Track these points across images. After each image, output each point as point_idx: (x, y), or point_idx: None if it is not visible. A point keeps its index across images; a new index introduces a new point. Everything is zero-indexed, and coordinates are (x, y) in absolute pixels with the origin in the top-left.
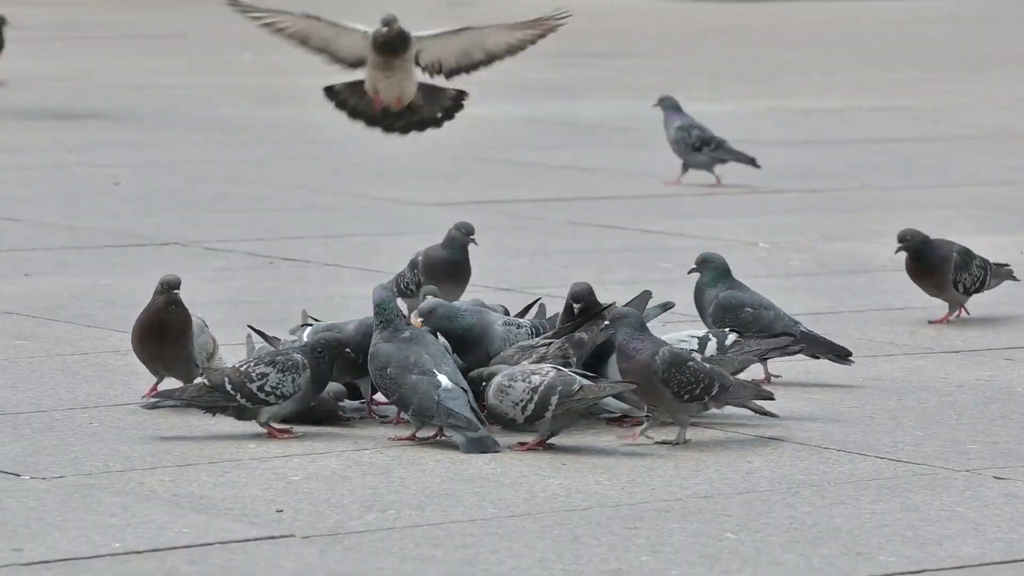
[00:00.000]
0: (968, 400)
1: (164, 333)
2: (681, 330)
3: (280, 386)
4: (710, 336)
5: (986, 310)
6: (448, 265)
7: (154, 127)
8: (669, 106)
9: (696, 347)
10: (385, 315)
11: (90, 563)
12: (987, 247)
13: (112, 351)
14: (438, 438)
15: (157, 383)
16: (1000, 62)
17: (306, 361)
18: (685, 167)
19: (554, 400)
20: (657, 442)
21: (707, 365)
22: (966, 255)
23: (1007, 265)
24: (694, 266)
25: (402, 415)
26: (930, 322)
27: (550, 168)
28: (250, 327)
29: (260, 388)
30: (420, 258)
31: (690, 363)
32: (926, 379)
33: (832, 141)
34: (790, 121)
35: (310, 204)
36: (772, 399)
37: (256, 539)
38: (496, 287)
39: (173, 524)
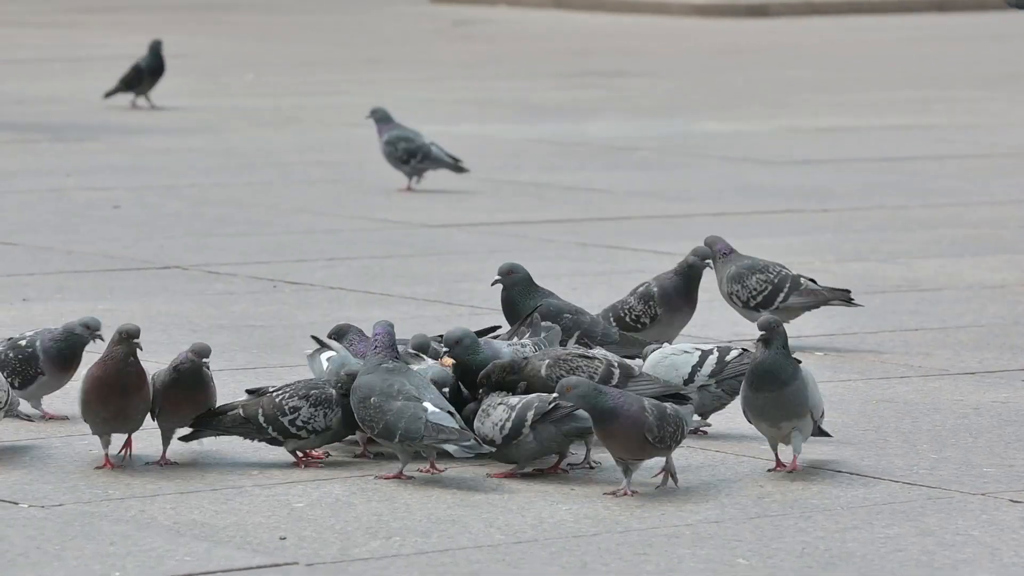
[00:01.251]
0: (984, 423)
1: (127, 387)
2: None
3: (312, 421)
4: (713, 350)
5: (1003, 331)
6: (686, 295)
7: (155, 150)
8: (380, 118)
9: (697, 361)
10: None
11: None
12: (1005, 266)
13: None
14: (427, 472)
15: (126, 440)
16: (1017, 80)
17: (338, 397)
18: (410, 176)
19: (530, 416)
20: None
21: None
22: (748, 269)
23: (847, 291)
24: (499, 277)
25: (377, 448)
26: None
27: (559, 189)
28: (314, 337)
29: (292, 422)
30: (655, 289)
31: (669, 412)
32: (941, 401)
33: (847, 160)
34: (804, 140)
35: (313, 227)
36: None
37: (259, 567)
38: (495, 309)
39: (174, 552)
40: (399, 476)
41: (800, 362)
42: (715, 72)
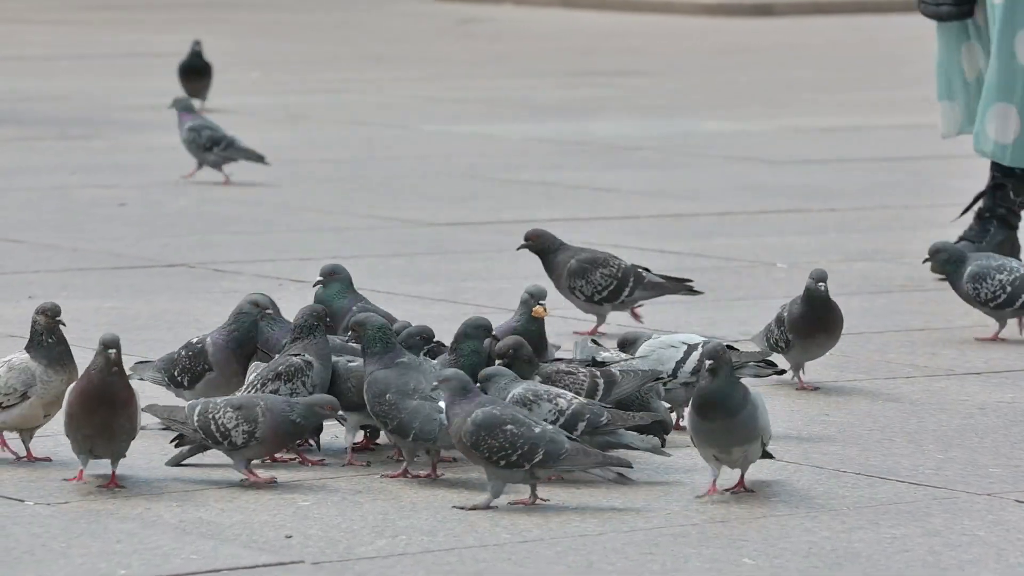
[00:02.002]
0: (990, 423)
1: (113, 401)
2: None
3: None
4: (699, 346)
5: (1009, 331)
6: (812, 320)
7: (160, 147)
8: (182, 107)
9: (681, 356)
10: (384, 340)
11: None
12: None
13: None
14: (432, 477)
15: (111, 476)
16: None
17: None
18: (200, 164)
19: (581, 426)
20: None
21: (536, 430)
22: (590, 262)
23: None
24: (320, 278)
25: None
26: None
27: (564, 188)
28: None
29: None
30: (785, 314)
31: (508, 427)
32: (947, 401)
33: (851, 160)
34: (808, 140)
35: (319, 225)
36: (630, 467)
37: (265, 565)
38: (508, 309)
39: (180, 550)
40: (404, 475)
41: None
42: (719, 71)
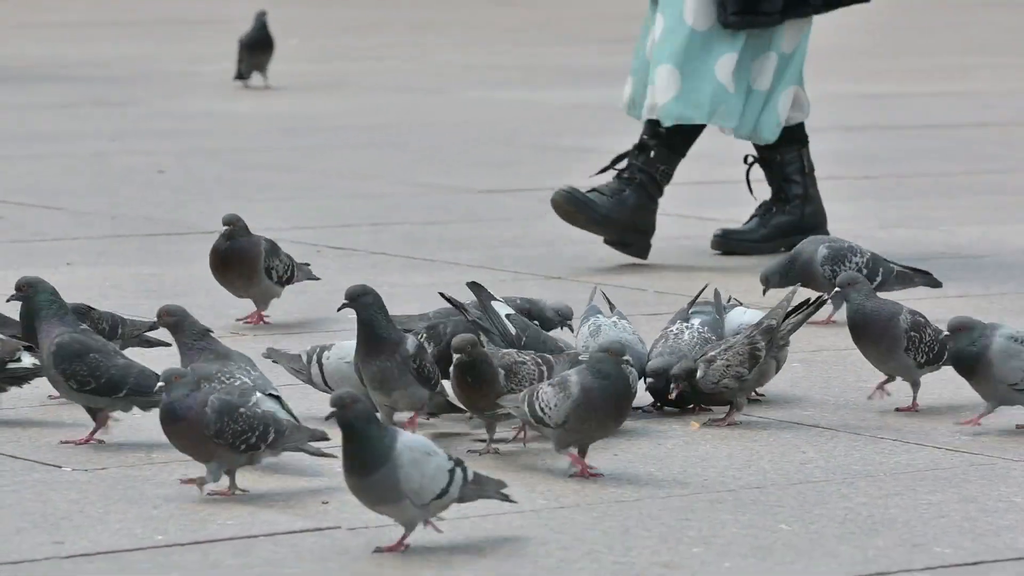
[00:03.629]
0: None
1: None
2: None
3: None
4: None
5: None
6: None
7: (198, 114)
8: None
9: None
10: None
11: (132, 556)
12: None
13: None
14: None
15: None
16: None
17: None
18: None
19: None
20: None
21: (259, 410)
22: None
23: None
24: (16, 292)
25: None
26: None
27: (601, 154)
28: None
29: None
30: None
31: (242, 410)
32: None
33: (890, 127)
34: (847, 106)
35: (357, 192)
36: (327, 439)
37: (302, 531)
38: (547, 275)
39: (217, 516)
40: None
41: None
42: None
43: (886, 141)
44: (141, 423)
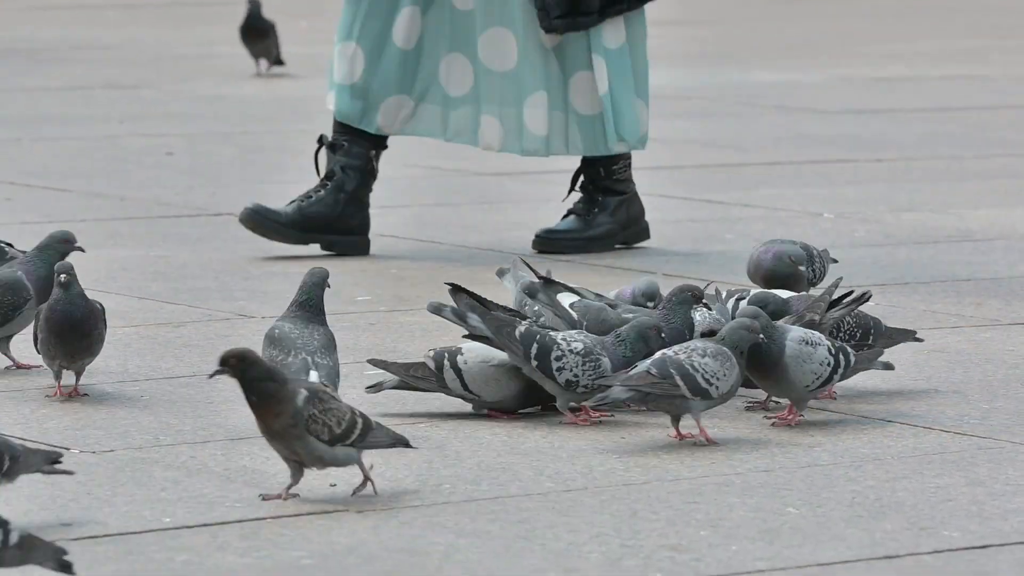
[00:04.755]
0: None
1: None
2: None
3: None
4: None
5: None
6: None
7: (207, 97)
8: None
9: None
10: None
11: (140, 538)
12: None
13: (164, 323)
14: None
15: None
16: None
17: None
18: None
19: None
20: None
21: None
22: None
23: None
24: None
25: None
26: None
27: None
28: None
29: None
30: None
31: None
32: (992, 351)
33: (901, 110)
34: (859, 90)
35: None
36: (60, 461)
37: (309, 514)
38: (555, 259)
39: (225, 499)
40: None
41: None
42: (770, 21)
43: (897, 125)
44: (150, 405)
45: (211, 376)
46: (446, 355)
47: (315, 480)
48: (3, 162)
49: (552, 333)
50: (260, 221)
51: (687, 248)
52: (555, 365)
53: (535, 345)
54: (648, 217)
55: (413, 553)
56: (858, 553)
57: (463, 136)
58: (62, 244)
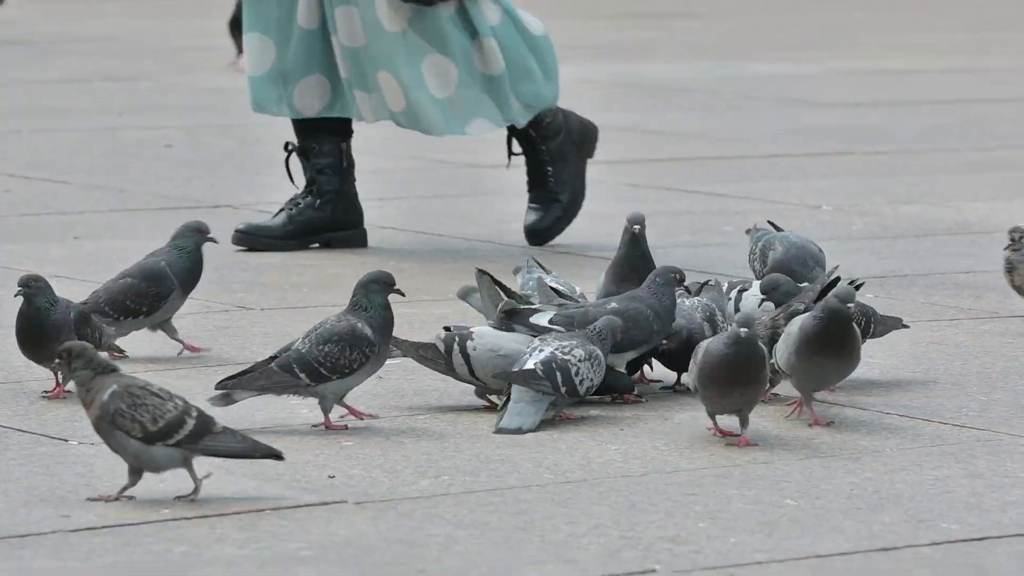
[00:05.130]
0: None
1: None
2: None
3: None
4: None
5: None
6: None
7: (206, 89)
8: None
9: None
10: None
11: (138, 529)
12: None
13: None
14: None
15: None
16: None
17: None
18: None
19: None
20: None
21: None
22: None
23: None
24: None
25: None
26: None
27: (611, 130)
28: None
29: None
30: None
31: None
32: (991, 344)
33: (901, 103)
34: (859, 82)
35: (362, 166)
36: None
37: (308, 505)
38: (554, 251)
39: (224, 490)
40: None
41: None
42: (770, 13)
43: (895, 117)
44: None
45: (52, 367)
46: (456, 339)
47: (313, 472)
48: (2, 154)
49: (551, 349)
50: (254, 240)
51: (685, 240)
52: (576, 381)
53: (558, 374)
54: (647, 209)
55: (412, 544)
56: (856, 545)
57: (380, 112)
58: (195, 234)
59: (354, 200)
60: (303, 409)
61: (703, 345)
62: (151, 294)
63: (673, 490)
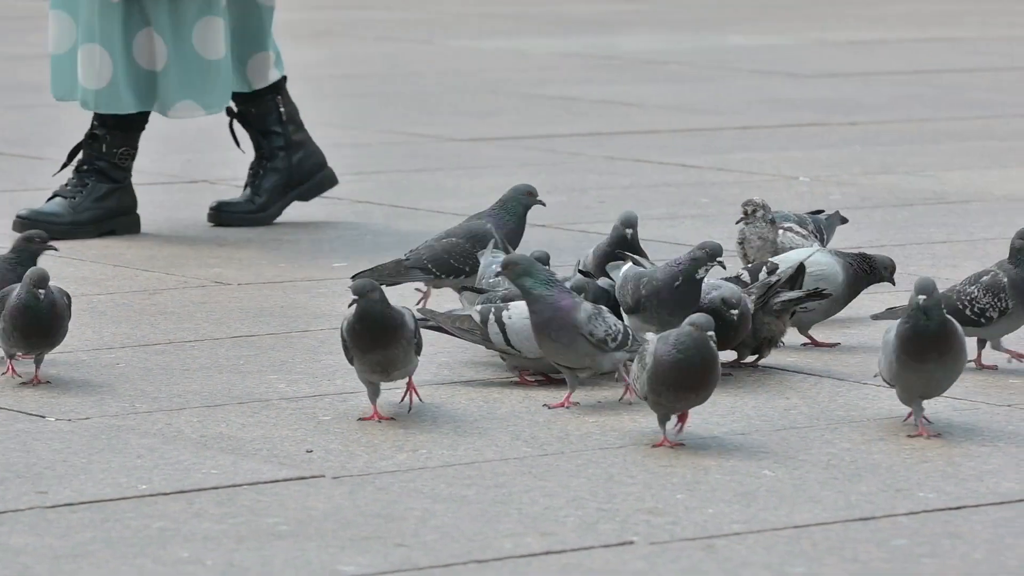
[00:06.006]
0: (1011, 335)
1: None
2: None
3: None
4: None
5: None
6: None
7: None
8: None
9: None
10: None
11: (116, 505)
12: None
13: (139, 291)
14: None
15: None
16: None
17: None
18: None
19: None
20: None
21: None
22: None
23: None
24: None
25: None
26: None
27: (588, 103)
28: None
29: None
30: (1004, 280)
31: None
32: None
33: (876, 73)
34: (834, 53)
35: (341, 140)
36: None
37: (285, 480)
38: (531, 223)
39: (201, 465)
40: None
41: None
42: None
43: (871, 88)
44: (125, 372)
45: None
46: (492, 309)
47: (291, 446)
48: None
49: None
50: (227, 218)
51: (662, 212)
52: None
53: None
54: (623, 182)
55: (390, 518)
56: (834, 515)
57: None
58: (526, 196)
59: (310, 145)
60: (281, 384)
61: (649, 350)
62: (475, 254)
63: (651, 462)
